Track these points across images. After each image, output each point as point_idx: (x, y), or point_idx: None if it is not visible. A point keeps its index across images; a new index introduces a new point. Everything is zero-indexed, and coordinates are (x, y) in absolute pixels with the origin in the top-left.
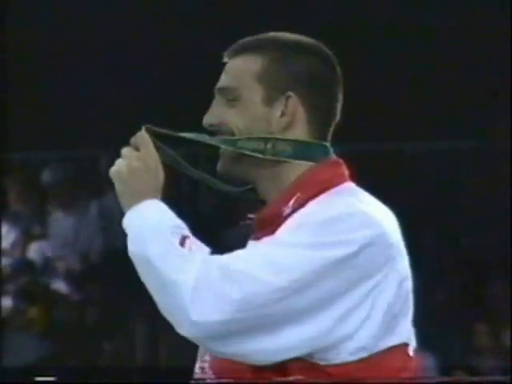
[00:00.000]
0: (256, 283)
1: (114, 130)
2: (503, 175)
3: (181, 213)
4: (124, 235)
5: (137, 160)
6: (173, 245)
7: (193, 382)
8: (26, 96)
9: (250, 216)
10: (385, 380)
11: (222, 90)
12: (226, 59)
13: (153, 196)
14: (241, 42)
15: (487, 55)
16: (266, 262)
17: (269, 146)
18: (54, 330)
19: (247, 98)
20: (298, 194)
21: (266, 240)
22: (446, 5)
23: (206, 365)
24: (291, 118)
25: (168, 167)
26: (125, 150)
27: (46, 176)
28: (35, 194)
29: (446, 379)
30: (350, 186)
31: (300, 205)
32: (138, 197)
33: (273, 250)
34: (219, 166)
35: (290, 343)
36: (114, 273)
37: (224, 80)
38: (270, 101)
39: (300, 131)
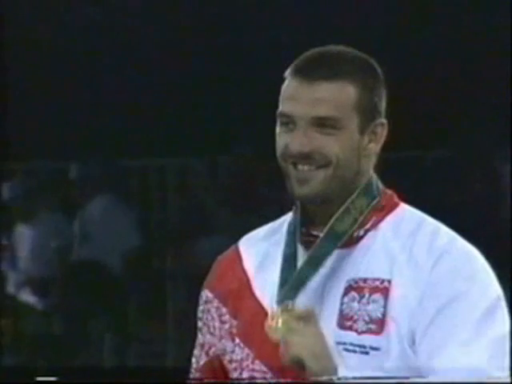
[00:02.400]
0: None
1: (84, 143)
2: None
3: (150, 220)
4: (94, 246)
5: (319, 336)
6: None
7: (190, 381)
8: None
9: (314, 233)
10: (384, 380)
11: (321, 119)
12: (303, 81)
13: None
14: (325, 64)
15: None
16: (501, 344)
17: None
18: (22, 342)
19: (347, 128)
20: (375, 218)
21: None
22: (424, 15)
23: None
24: (378, 146)
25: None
26: (298, 326)
27: (10, 188)
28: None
29: (445, 379)
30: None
31: (373, 227)
32: (334, 369)
33: (487, 329)
34: (307, 189)
35: None
36: (82, 284)
37: (322, 109)
38: (363, 129)
39: (373, 158)
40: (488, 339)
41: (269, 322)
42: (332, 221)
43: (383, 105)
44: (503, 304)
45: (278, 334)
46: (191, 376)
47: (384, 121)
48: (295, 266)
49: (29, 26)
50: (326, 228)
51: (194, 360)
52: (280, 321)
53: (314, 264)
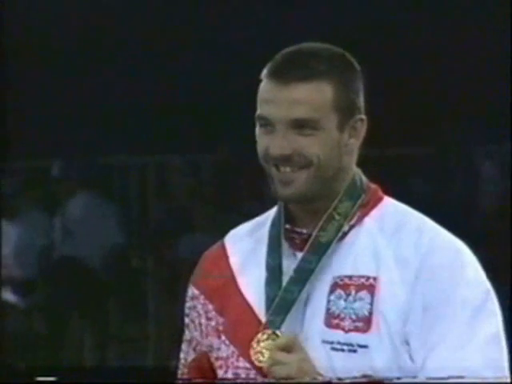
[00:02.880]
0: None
1: (65, 141)
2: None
3: (131, 219)
4: (75, 244)
5: (303, 363)
6: None
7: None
8: None
9: (298, 230)
10: (385, 380)
11: (300, 121)
12: (279, 83)
13: None
14: (300, 64)
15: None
16: (494, 341)
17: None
18: (2, 340)
19: (326, 128)
20: (359, 214)
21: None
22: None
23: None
24: (359, 142)
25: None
26: (282, 356)
27: None
28: None
29: (445, 379)
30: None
31: (357, 222)
32: None
33: (482, 325)
34: (291, 190)
35: None
36: (63, 282)
37: (300, 111)
38: (342, 126)
39: (355, 153)
40: (480, 340)
41: (254, 345)
42: (316, 231)
43: (361, 100)
44: (492, 296)
45: (263, 362)
46: (179, 371)
47: (363, 116)
48: (280, 280)
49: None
50: (309, 240)
51: (182, 355)
52: (263, 346)
53: (299, 281)
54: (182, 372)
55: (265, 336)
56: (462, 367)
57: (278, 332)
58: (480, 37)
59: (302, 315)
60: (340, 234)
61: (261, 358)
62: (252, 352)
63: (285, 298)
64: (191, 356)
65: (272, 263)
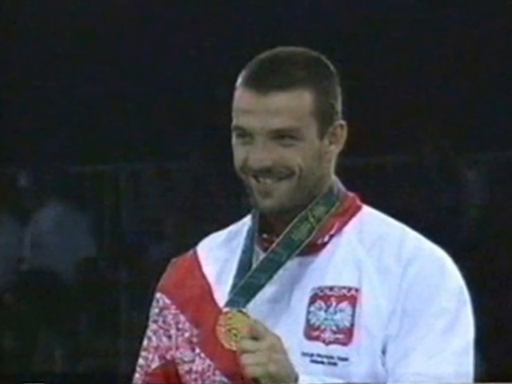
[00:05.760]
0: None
1: (34, 149)
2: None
3: (102, 230)
4: (46, 255)
5: (273, 352)
6: None
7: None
8: None
9: (275, 240)
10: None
11: (279, 131)
12: (257, 92)
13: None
14: (277, 72)
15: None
16: (465, 352)
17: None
18: None
19: (307, 136)
20: (338, 223)
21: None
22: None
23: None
24: (338, 148)
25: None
26: (249, 344)
27: None
28: None
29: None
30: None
31: (337, 232)
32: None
33: (454, 334)
34: (272, 202)
35: None
36: (33, 294)
37: (279, 121)
38: (322, 133)
39: (334, 160)
40: (453, 350)
41: (218, 327)
42: (288, 228)
43: (339, 104)
44: (469, 307)
45: (233, 346)
46: (138, 378)
47: (343, 122)
48: (249, 271)
49: None
50: (281, 235)
51: (143, 362)
52: (230, 327)
53: (266, 269)
54: (143, 379)
55: (227, 317)
56: (433, 374)
57: (244, 310)
58: (460, 41)
59: (280, 327)
60: (313, 235)
61: (225, 340)
62: (218, 331)
63: (251, 282)
64: (155, 363)
65: (244, 258)
